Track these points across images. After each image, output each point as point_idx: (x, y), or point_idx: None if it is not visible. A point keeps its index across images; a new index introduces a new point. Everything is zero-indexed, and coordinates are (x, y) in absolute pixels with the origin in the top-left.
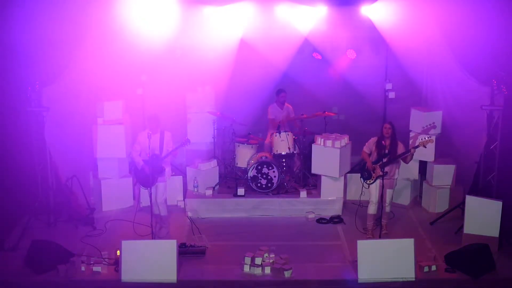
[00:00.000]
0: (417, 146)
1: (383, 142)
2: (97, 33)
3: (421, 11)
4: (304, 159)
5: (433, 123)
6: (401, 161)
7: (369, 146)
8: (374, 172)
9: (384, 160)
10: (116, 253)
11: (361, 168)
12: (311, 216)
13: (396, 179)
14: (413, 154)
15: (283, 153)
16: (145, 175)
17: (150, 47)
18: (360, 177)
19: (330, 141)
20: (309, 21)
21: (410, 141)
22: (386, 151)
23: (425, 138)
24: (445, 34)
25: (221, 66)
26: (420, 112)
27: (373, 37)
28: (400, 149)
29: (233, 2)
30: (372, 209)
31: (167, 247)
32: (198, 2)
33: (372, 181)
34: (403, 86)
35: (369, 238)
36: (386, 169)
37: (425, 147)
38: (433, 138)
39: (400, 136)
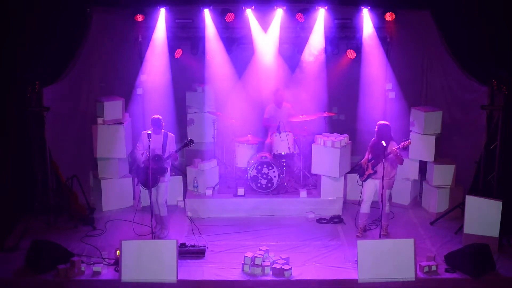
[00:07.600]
0: (392, 152)
1: (373, 141)
2: None
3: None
4: (304, 159)
5: (410, 138)
6: (397, 162)
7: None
8: (366, 170)
9: (373, 160)
10: (116, 253)
11: (358, 165)
12: (311, 216)
13: (394, 179)
14: (398, 156)
15: (283, 153)
16: (147, 175)
17: None
18: (357, 173)
19: (330, 141)
20: (309, 20)
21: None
22: (371, 150)
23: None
24: (445, 33)
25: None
26: (420, 112)
27: (373, 37)
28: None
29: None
30: (363, 208)
31: (167, 247)
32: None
33: (364, 179)
34: (403, 86)
35: (358, 237)
36: (376, 168)
37: (403, 149)
38: (410, 140)
39: (399, 137)
